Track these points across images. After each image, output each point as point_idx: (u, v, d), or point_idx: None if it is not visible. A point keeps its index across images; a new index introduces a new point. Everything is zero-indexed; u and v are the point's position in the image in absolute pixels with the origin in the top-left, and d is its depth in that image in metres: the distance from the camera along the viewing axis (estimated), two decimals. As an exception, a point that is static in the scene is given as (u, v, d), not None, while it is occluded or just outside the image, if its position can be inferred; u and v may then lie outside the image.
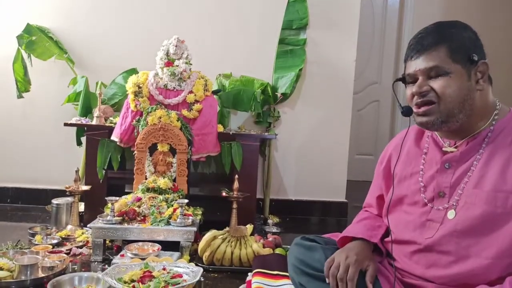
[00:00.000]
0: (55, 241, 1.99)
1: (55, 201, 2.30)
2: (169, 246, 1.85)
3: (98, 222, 1.87)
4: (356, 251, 1.08)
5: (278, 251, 1.89)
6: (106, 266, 1.76)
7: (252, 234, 2.01)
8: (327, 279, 1.04)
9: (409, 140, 1.16)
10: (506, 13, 4.09)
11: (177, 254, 1.83)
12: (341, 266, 1.03)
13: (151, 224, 1.87)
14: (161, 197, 2.04)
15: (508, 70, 4.02)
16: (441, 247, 1.00)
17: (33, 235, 2.07)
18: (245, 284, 1.57)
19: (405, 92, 1.09)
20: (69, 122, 2.45)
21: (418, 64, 1.01)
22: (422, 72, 1.01)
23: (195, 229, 1.89)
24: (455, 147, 1.06)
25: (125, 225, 1.86)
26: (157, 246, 1.81)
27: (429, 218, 1.04)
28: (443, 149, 1.07)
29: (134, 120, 2.27)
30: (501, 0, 4.09)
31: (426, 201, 1.06)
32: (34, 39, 2.65)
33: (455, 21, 1.04)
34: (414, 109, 1.04)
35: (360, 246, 1.11)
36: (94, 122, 2.42)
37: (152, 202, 1.99)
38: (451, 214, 1.01)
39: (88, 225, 1.94)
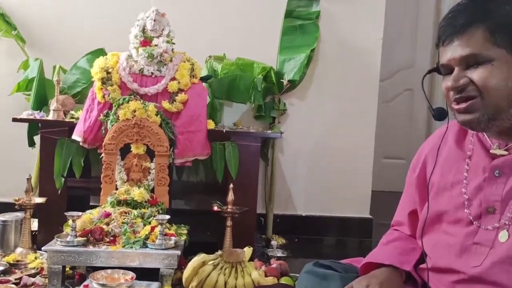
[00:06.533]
0: (1, 268, 1.99)
1: (1, 217, 2.29)
2: (146, 274, 1.85)
3: (55, 244, 1.87)
4: (381, 279, 1.08)
5: (284, 280, 1.90)
6: (66, 299, 1.76)
7: (251, 260, 2.01)
8: None
9: (449, 140, 1.16)
10: None
11: (156, 284, 1.83)
12: None
13: (123, 247, 1.87)
14: (135, 212, 2.04)
15: None
16: (491, 278, 0.99)
17: (-27, 260, 2.07)
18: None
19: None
20: (18, 117, 2.45)
21: (451, 52, 1.01)
22: (457, 61, 1.00)
23: (178, 252, 1.89)
24: (506, 149, 1.06)
25: (90, 248, 1.85)
26: (131, 274, 1.81)
27: (476, 241, 1.04)
28: (491, 151, 1.07)
29: (101, 115, 2.27)
30: None
31: (471, 218, 1.06)
32: (-26, 11, 2.65)
33: None
34: (454, 106, 1.03)
35: (387, 274, 1.10)
36: (50, 117, 2.41)
37: (124, 219, 1.99)
38: (503, 236, 1.00)
39: (43, 248, 1.94)
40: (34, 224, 2.38)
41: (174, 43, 2.38)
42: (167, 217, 1.98)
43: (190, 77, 2.35)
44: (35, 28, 2.82)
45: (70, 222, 1.90)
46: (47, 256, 1.86)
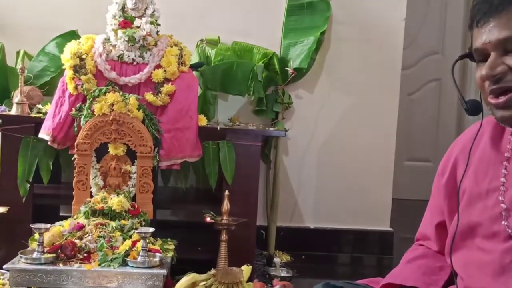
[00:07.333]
0: (-46, 290, 2.00)
1: (-45, 229, 2.30)
2: (125, 297, 1.85)
3: (19, 262, 1.86)
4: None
5: (289, 305, 1.90)
6: (32, 327, 1.77)
7: (249, 280, 2.01)
8: None
9: (484, 139, 1.16)
10: None
11: (137, 309, 1.84)
12: None
13: (99, 265, 1.87)
14: (113, 224, 2.04)
15: None
16: (534, 302, 1.00)
17: None
18: None
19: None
20: (-24, 111, 2.46)
21: (487, 35, 1.00)
22: (494, 45, 0.99)
23: (164, 272, 1.89)
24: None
25: (60, 266, 1.85)
26: (108, 297, 1.82)
27: (516, 259, 1.04)
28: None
29: (73, 109, 2.27)
30: None
31: (510, 232, 1.06)
32: None
33: None
34: (490, 99, 1.03)
35: (411, 299, 1.11)
36: (13, 112, 2.42)
37: (100, 232, 1.99)
38: (548, 253, 1.01)
39: (4, 266, 1.94)
40: (-6, 238, 2.38)
41: (159, 25, 2.38)
42: (151, 230, 1.97)
43: (178, 64, 2.35)
44: (-5, 6, 2.83)
45: (36, 235, 1.89)
46: (9, 276, 1.85)
